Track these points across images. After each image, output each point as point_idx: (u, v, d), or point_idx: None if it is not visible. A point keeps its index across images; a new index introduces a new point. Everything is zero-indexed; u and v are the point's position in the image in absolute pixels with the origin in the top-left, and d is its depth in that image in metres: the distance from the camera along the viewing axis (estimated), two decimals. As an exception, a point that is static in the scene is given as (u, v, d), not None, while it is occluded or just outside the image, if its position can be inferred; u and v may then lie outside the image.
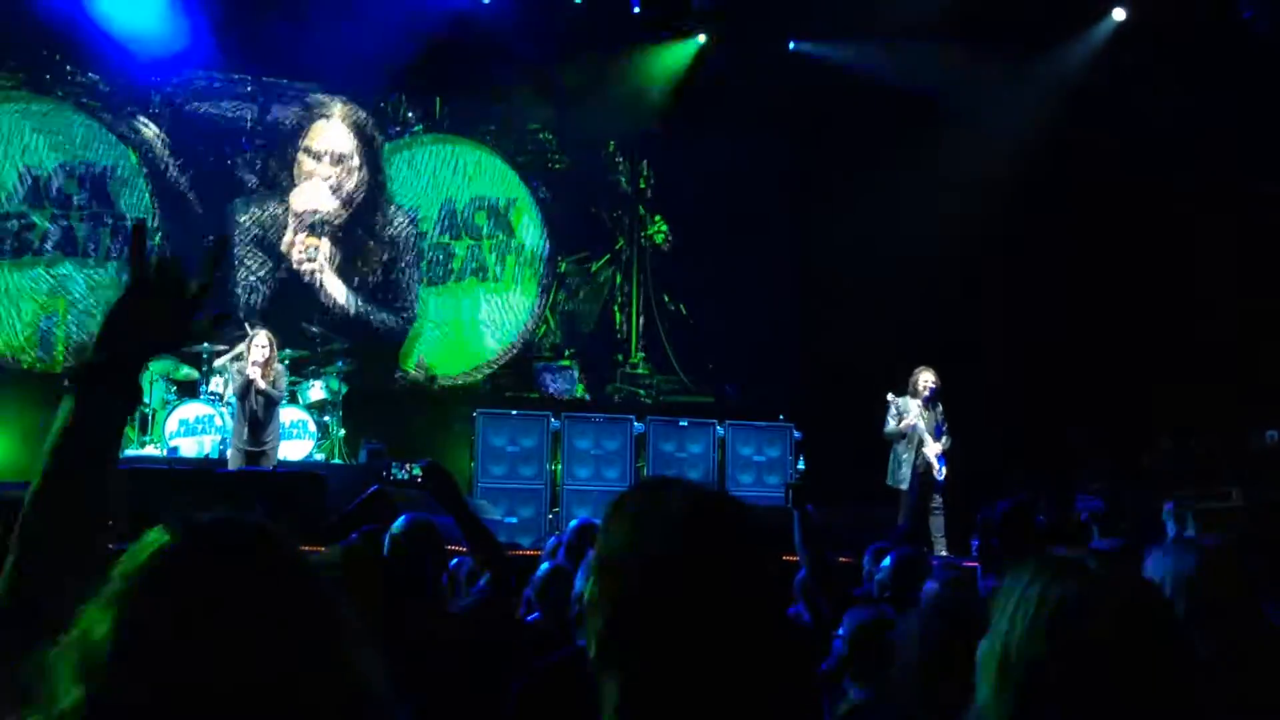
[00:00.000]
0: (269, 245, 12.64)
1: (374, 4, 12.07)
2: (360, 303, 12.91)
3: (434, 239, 13.35)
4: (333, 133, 12.99)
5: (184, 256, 1.61)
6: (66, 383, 1.48)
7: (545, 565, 4.44)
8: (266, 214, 12.69)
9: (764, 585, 1.31)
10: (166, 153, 12.43)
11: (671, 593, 1.25)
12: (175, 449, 10.42)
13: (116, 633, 1.02)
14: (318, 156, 12.88)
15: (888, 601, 4.15)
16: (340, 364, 11.47)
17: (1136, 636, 1.41)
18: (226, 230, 12.22)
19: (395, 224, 13.20)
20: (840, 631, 3.23)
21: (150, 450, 10.51)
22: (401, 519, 4.10)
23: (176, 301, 1.54)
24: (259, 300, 12.47)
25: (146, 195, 12.29)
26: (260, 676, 1.04)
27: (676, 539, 1.28)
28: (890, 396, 9.66)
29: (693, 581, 1.26)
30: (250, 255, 12.54)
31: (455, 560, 4.94)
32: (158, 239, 12.07)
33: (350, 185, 12.98)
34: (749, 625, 1.27)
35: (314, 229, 12.75)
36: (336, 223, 12.88)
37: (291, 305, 12.39)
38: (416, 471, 3.58)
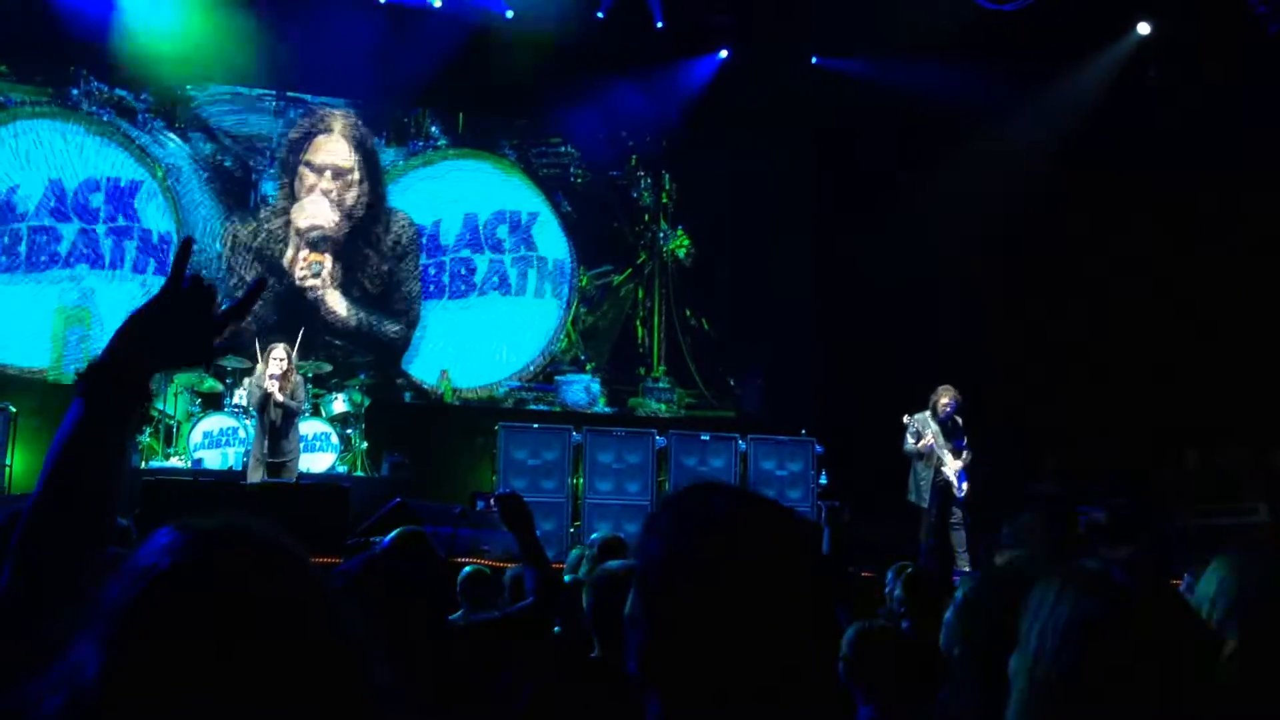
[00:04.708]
0: (271, 260, 12.66)
1: (397, 20, 12.16)
2: (364, 315, 12.91)
3: (456, 253, 13.39)
4: (333, 146, 13.02)
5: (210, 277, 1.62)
6: (78, 384, 1.45)
7: (566, 578, 4.47)
8: (265, 225, 12.72)
9: (809, 592, 1.24)
10: (192, 168, 12.52)
11: (716, 601, 1.20)
12: (199, 461, 10.48)
13: (105, 678, 0.90)
14: (319, 170, 12.91)
15: (904, 617, 4.13)
16: (362, 376, 11.51)
17: (1168, 650, 1.38)
18: (230, 242, 12.38)
19: (396, 232, 13.19)
20: (843, 649, 3.16)
21: (175, 462, 10.58)
22: (394, 531, 4.09)
23: (200, 322, 1.52)
24: (264, 313, 12.48)
25: (172, 210, 12.38)
26: None
27: (720, 545, 1.23)
28: (906, 417, 9.66)
29: (737, 589, 1.21)
30: (250, 269, 12.54)
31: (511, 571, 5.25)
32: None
33: (351, 198, 13.00)
34: (794, 633, 1.22)
35: (316, 245, 12.77)
36: (338, 237, 12.88)
37: (299, 320, 12.40)
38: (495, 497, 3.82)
